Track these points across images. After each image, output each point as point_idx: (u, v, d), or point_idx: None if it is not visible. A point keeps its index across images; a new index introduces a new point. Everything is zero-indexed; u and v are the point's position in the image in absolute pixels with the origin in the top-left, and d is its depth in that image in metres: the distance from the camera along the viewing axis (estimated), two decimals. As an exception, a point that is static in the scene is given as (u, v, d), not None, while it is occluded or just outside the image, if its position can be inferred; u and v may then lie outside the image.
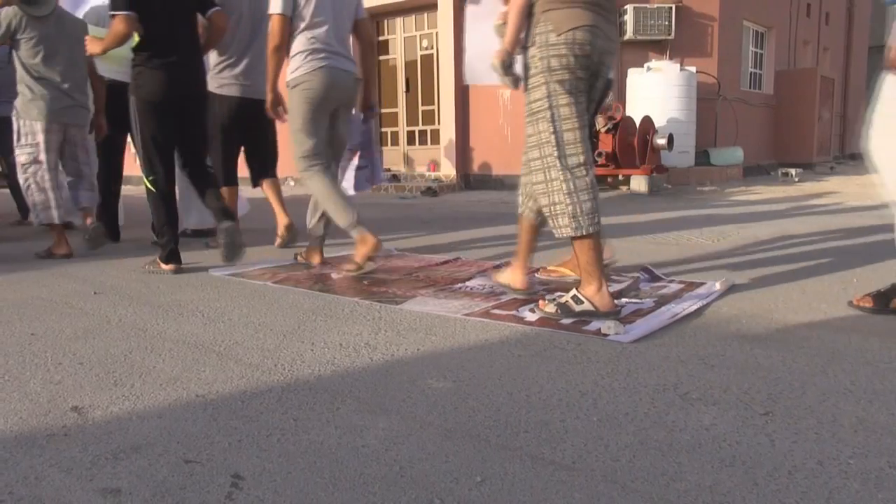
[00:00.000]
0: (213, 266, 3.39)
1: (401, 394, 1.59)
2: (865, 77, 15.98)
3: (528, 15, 2.16)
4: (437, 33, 8.85)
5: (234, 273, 3.21)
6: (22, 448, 1.35)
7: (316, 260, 3.38)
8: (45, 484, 1.20)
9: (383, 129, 9.79)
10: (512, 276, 2.55)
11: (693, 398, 1.52)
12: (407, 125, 9.53)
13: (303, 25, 3.09)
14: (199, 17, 3.40)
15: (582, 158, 2.16)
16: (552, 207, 2.20)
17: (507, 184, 8.44)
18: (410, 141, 9.54)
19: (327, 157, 3.23)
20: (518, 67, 2.23)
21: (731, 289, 2.60)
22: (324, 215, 3.28)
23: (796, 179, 8.88)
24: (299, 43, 3.11)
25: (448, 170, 8.76)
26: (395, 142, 9.71)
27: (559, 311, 2.20)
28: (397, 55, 9.45)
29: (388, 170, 9.53)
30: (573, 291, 2.22)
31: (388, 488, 1.16)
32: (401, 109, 9.54)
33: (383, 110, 9.76)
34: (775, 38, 11.37)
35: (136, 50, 3.23)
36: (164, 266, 3.28)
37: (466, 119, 8.69)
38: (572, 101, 2.15)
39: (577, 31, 2.09)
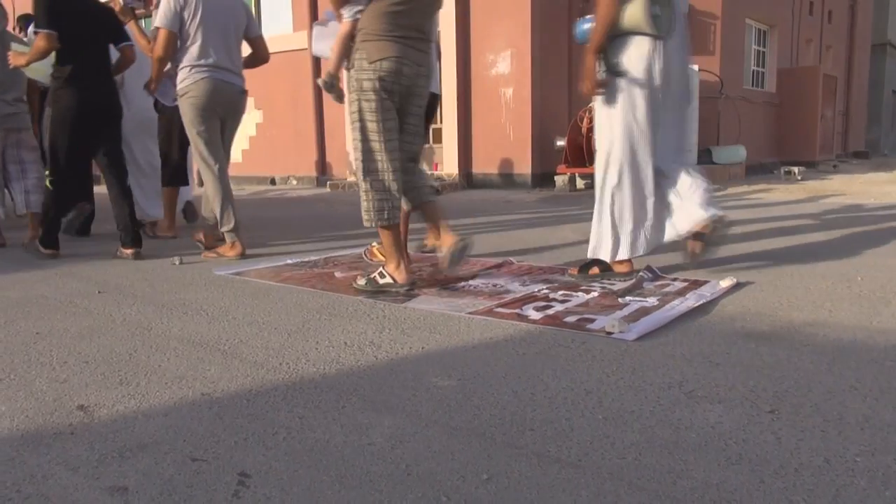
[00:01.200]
0: (217, 266, 3.39)
1: (406, 392, 1.60)
2: (868, 75, 15.95)
3: (350, 44, 2.62)
4: (438, 32, 8.85)
5: (237, 272, 3.21)
6: (28, 446, 1.35)
7: (230, 251, 3.70)
8: (51, 482, 1.20)
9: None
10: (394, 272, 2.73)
11: (699, 396, 1.52)
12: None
13: (189, 40, 3.53)
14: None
15: (380, 166, 2.61)
16: (362, 203, 2.66)
17: (511, 182, 8.44)
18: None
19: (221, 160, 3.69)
20: (343, 85, 2.73)
21: (736, 287, 2.59)
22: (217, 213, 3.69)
23: (799, 178, 8.87)
24: (187, 56, 3.54)
25: (450, 168, 8.76)
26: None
27: (368, 283, 2.69)
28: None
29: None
30: (380, 269, 2.73)
31: (395, 486, 1.16)
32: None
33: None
34: (778, 35, 11.35)
35: (56, 65, 3.63)
36: (43, 250, 3.76)
37: (468, 117, 8.69)
38: (378, 119, 2.58)
39: (383, 61, 2.54)
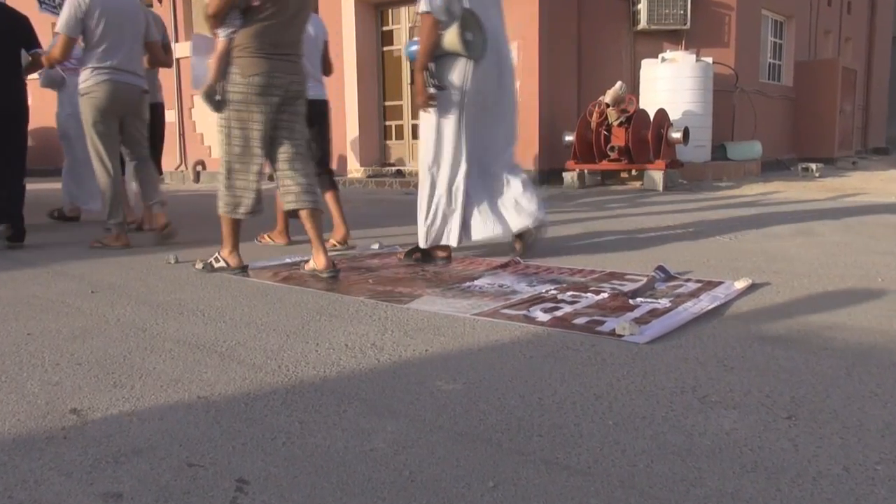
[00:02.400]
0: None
1: (409, 396, 1.60)
2: (889, 68, 15.89)
3: (227, 59, 3.00)
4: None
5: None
6: (20, 451, 1.36)
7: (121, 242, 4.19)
8: (44, 488, 1.21)
9: (387, 123, 9.81)
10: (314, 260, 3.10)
11: (712, 401, 1.52)
12: (412, 118, 9.53)
13: (93, 44, 3.95)
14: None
15: (240, 167, 3.09)
16: (222, 196, 3.15)
17: (516, 179, 8.42)
18: (416, 135, 9.50)
19: (119, 154, 4.17)
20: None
21: (751, 288, 2.59)
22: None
23: (817, 175, 8.85)
24: (89, 59, 3.97)
25: (455, 165, 8.75)
26: (399, 136, 9.72)
27: (205, 267, 3.23)
28: (402, 46, 9.44)
29: (393, 164, 9.55)
30: (216, 254, 3.24)
31: (398, 494, 1.16)
32: (405, 102, 9.54)
33: (387, 103, 9.77)
34: (795, 27, 11.31)
35: None
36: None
37: (474, 112, 8.67)
38: (244, 128, 3.04)
39: (255, 76, 2.98)
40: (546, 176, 8.35)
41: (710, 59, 8.38)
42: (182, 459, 1.30)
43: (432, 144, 3.24)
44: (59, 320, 2.40)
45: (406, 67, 9.40)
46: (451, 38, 3.10)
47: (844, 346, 1.89)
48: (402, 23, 9.41)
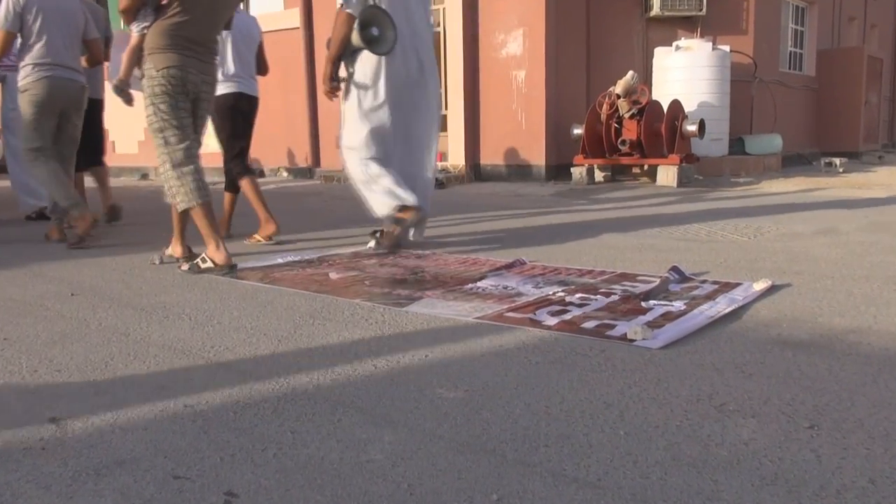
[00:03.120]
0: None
1: (408, 404, 1.60)
2: (917, 56, 15.85)
3: (139, 54, 3.30)
4: (444, 9, 8.85)
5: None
6: (-4, 462, 1.36)
7: (54, 235, 4.53)
8: (21, 502, 1.21)
9: (385, 115, 9.80)
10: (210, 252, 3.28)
11: (730, 410, 1.52)
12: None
13: (31, 40, 4.20)
14: None
15: (181, 156, 3.27)
16: (169, 190, 3.31)
17: (523, 175, 8.43)
18: (415, 128, 9.54)
19: (53, 149, 4.37)
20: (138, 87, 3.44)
21: (771, 290, 2.59)
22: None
23: (840, 170, 8.84)
24: (29, 55, 4.22)
25: (456, 159, 8.76)
26: (398, 129, 9.71)
27: (191, 268, 3.27)
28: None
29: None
30: (203, 255, 3.27)
31: (396, 507, 1.16)
32: (404, 93, 9.53)
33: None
34: (818, 13, 11.31)
35: None
36: None
37: (476, 103, 8.69)
38: (172, 117, 3.26)
39: (169, 69, 3.22)
40: (553, 171, 8.36)
41: (727, 48, 8.38)
42: (167, 471, 1.30)
43: (353, 127, 3.68)
44: (37, 324, 2.40)
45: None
46: (353, 34, 3.50)
47: (870, 351, 1.89)
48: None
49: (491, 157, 8.71)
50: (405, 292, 2.72)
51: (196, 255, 3.34)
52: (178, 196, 3.27)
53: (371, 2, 3.51)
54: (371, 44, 3.52)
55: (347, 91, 3.68)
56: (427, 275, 3.06)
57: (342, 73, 3.71)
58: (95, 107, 5.12)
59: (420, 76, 3.72)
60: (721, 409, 1.52)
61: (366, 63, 3.61)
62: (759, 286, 2.59)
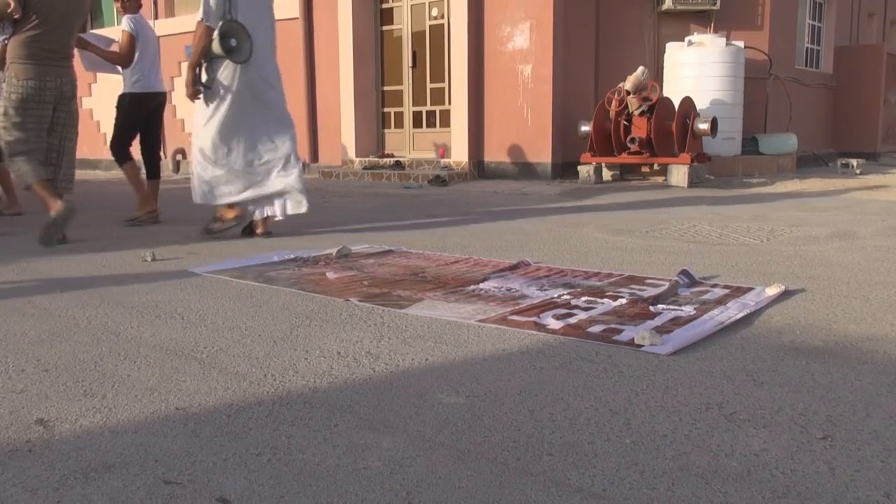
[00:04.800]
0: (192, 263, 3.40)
1: (407, 409, 1.60)
2: (939, 54, 15.82)
3: (2, 63, 4.12)
4: (448, 1, 8.86)
5: (215, 271, 3.23)
6: (-19, 465, 1.36)
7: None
8: (7, 505, 1.21)
9: (386, 110, 9.82)
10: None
11: (741, 419, 1.52)
12: (413, 105, 9.54)
13: None
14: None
15: (24, 148, 4.08)
16: (17, 171, 4.11)
17: (528, 172, 8.43)
18: (417, 123, 9.56)
19: None
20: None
21: (784, 295, 2.59)
22: None
23: (858, 171, 8.83)
24: None
25: (459, 156, 8.77)
26: (399, 124, 9.73)
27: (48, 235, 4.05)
28: (403, 25, 9.46)
29: (392, 155, 9.56)
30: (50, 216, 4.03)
31: (394, 516, 1.16)
32: (406, 87, 9.55)
33: (386, 88, 9.78)
34: (836, 9, 11.29)
35: None
36: None
37: (481, 98, 8.69)
38: (22, 121, 4.07)
39: (28, 80, 4.03)
40: (560, 170, 8.36)
41: (741, 43, 8.38)
42: (158, 476, 1.30)
43: (209, 128, 4.17)
44: (24, 322, 2.40)
45: (408, 50, 9.41)
46: (214, 44, 4.02)
47: (886, 359, 1.89)
48: (402, 0, 9.41)
49: (495, 154, 8.71)
50: (405, 293, 2.72)
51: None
52: (21, 175, 4.07)
53: (228, 16, 4.04)
54: (230, 53, 4.05)
55: (205, 95, 4.20)
56: (428, 275, 3.06)
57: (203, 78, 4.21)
58: None
59: (267, 79, 4.30)
60: (731, 419, 1.52)
61: (223, 70, 4.13)
62: (772, 291, 2.59)
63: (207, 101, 4.17)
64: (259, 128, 4.26)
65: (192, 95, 4.17)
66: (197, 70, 4.12)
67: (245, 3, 4.11)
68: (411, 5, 9.36)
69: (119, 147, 5.11)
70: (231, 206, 4.29)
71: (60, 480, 1.29)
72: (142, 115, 5.12)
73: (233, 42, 4.03)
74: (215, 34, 3.98)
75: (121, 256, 3.68)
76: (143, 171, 5.21)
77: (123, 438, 1.47)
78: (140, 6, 5.19)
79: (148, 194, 5.13)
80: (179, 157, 11.28)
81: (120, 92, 5.13)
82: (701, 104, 7.86)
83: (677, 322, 2.23)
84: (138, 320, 2.41)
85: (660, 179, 7.86)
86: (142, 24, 5.10)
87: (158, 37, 11.43)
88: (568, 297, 2.61)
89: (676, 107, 7.45)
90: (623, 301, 2.52)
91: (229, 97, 4.14)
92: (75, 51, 4.55)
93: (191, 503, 1.21)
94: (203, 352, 2.05)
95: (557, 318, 2.31)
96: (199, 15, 4.02)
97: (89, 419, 1.57)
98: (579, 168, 7.95)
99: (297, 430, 1.50)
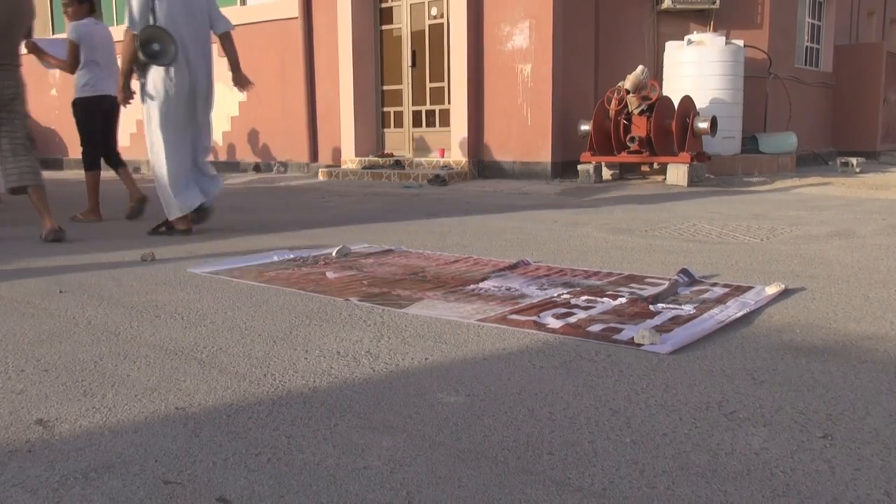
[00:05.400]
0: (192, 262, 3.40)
1: (407, 409, 1.60)
2: (938, 53, 15.82)
3: None
4: (447, 0, 8.85)
5: (215, 271, 3.23)
6: (-19, 465, 1.36)
7: None
8: (6, 505, 1.21)
9: (385, 109, 9.82)
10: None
11: (741, 418, 1.52)
12: (412, 104, 9.54)
13: None
14: None
15: None
16: None
17: (528, 172, 8.43)
18: (416, 122, 9.56)
19: None
20: None
21: (784, 294, 2.59)
22: None
23: (857, 170, 8.83)
24: None
25: (459, 155, 8.77)
26: (398, 123, 9.73)
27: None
28: (402, 24, 9.46)
29: (392, 154, 9.56)
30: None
31: (394, 516, 1.16)
32: (406, 87, 9.55)
33: (385, 87, 9.78)
34: (835, 7, 11.29)
35: None
36: None
37: (480, 98, 8.69)
38: None
39: None
40: (559, 169, 8.36)
41: (740, 42, 8.38)
42: (158, 476, 1.30)
43: (148, 134, 4.41)
44: (24, 322, 2.40)
45: (407, 49, 9.41)
46: (139, 50, 4.24)
47: (886, 358, 1.89)
48: (402, -1, 9.42)
49: (495, 153, 8.71)
50: (405, 293, 2.72)
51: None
52: None
53: (151, 21, 4.24)
54: (154, 58, 4.25)
55: (143, 99, 4.42)
56: (427, 275, 3.06)
57: (134, 84, 4.44)
58: None
59: (203, 77, 4.49)
60: (731, 417, 1.53)
61: (154, 74, 4.34)
62: (772, 290, 2.59)
63: (146, 106, 4.38)
64: (202, 127, 4.54)
65: (124, 101, 4.52)
66: (127, 77, 4.41)
67: (171, 9, 4.28)
68: (410, 5, 9.36)
69: (89, 154, 5.41)
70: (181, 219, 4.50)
71: (60, 480, 1.29)
72: (97, 118, 5.35)
73: (155, 47, 4.23)
74: (138, 41, 4.22)
75: (120, 256, 3.68)
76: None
77: (123, 438, 1.47)
78: (88, 13, 5.35)
79: (99, 195, 5.44)
80: None
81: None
82: (700, 103, 7.86)
83: (677, 321, 2.23)
84: (138, 320, 2.41)
85: (659, 178, 7.86)
86: (86, 31, 5.25)
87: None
88: (568, 296, 2.61)
89: (676, 106, 7.45)
90: (623, 300, 2.52)
91: (158, 98, 4.33)
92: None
93: (191, 503, 1.21)
94: (203, 351, 2.05)
95: (557, 317, 2.31)
96: (125, 23, 4.29)
97: (89, 419, 1.57)
98: (579, 167, 7.95)
99: (297, 429, 1.50)
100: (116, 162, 5.53)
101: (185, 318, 2.43)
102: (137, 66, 4.33)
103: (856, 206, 5.46)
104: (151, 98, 4.35)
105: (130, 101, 4.50)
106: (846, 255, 3.39)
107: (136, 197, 5.43)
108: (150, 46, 4.21)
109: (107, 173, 5.49)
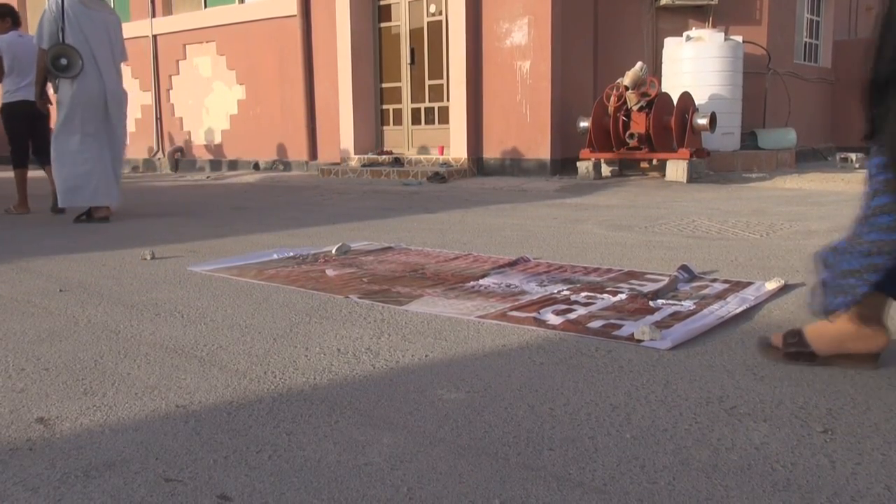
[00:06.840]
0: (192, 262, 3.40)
1: (407, 406, 1.60)
2: (937, 48, 15.77)
3: None
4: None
5: (215, 269, 3.23)
6: (-19, 463, 1.36)
7: None
8: (8, 504, 1.21)
9: (384, 107, 9.81)
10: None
11: (741, 413, 1.52)
12: (411, 102, 9.53)
13: None
14: None
15: None
16: None
17: (527, 169, 8.43)
18: (415, 120, 9.55)
19: None
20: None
21: (784, 289, 2.59)
22: None
23: (857, 166, 8.83)
24: None
25: (458, 153, 8.76)
26: (397, 121, 9.72)
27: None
28: (401, 22, 9.45)
29: (391, 152, 9.55)
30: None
31: (395, 512, 1.16)
32: (404, 84, 9.54)
33: (384, 85, 9.77)
34: (834, 3, 11.28)
35: None
36: None
37: (479, 95, 8.68)
38: None
39: None
40: (559, 165, 8.35)
41: (739, 38, 8.36)
42: (158, 474, 1.31)
43: (54, 137, 5.03)
44: (24, 321, 2.40)
45: (406, 46, 9.40)
46: (48, 64, 4.86)
47: (887, 353, 1.89)
48: (401, -3, 9.41)
49: (494, 150, 8.70)
50: (405, 290, 2.72)
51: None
52: None
53: (60, 39, 4.85)
54: (62, 71, 4.88)
55: (58, 106, 5.02)
56: (427, 272, 3.06)
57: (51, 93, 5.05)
58: None
59: (111, 86, 5.11)
60: (732, 413, 1.53)
61: (65, 85, 4.96)
62: (772, 286, 2.59)
63: (59, 113, 4.97)
64: (115, 130, 5.17)
65: (42, 107, 5.30)
66: (42, 87, 5.13)
67: (82, 27, 4.91)
68: (409, 2, 9.35)
69: (15, 153, 6.00)
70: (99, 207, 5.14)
71: (61, 479, 1.30)
72: (22, 122, 5.89)
73: (63, 61, 4.87)
74: (48, 56, 4.83)
75: (120, 255, 3.67)
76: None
77: (124, 436, 1.47)
78: (13, 27, 6.00)
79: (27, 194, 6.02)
80: (178, 155, 11.27)
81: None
82: (699, 99, 7.85)
83: (677, 317, 2.24)
84: (138, 319, 2.41)
85: (659, 175, 7.85)
86: (9, 43, 5.86)
87: (156, 35, 11.50)
88: (567, 292, 2.61)
89: (675, 102, 7.44)
90: (623, 296, 2.52)
91: (71, 105, 4.94)
92: None
93: (192, 500, 1.21)
94: (203, 349, 2.05)
95: (557, 313, 2.31)
96: (35, 40, 5.00)
97: (90, 417, 1.57)
98: (578, 164, 7.94)
99: (298, 426, 1.50)
100: (47, 158, 5.77)
101: (185, 317, 2.43)
102: (50, 77, 4.98)
103: (855, 201, 5.44)
104: (60, 105, 4.98)
105: (50, 105, 5.20)
106: (846, 250, 3.38)
107: (22, 210, 5.96)
108: (59, 61, 4.87)
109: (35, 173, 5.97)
